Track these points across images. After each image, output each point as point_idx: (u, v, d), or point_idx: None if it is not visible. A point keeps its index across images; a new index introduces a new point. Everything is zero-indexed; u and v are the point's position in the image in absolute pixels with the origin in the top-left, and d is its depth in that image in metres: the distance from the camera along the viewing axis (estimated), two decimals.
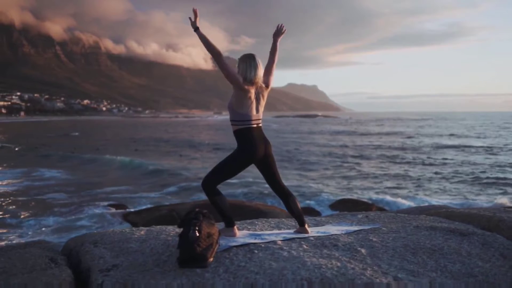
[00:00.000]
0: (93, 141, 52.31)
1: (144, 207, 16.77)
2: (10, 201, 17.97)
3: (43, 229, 14.08)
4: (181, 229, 2.82)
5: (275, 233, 3.45)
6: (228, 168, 3.24)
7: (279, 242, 3.15)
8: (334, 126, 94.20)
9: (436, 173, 25.46)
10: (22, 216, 15.51)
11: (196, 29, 3.05)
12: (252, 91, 3.25)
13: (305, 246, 3.07)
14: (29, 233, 13.47)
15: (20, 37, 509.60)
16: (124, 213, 16.11)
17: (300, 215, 3.45)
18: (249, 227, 3.79)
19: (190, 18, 3.13)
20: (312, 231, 3.54)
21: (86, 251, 3.19)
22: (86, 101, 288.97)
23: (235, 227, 3.33)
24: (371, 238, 3.28)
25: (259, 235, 3.36)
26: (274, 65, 3.54)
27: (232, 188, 20.25)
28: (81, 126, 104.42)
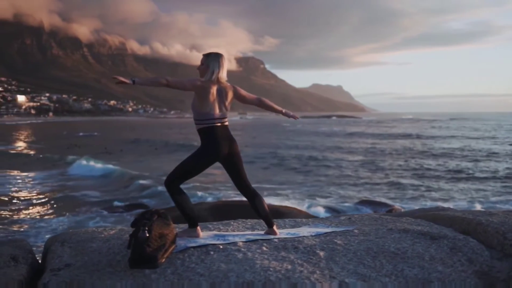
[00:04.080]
0: (118, 142, 52.99)
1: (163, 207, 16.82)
2: (33, 202, 18.25)
3: (59, 228, 14.25)
4: (133, 229, 2.80)
5: (240, 234, 3.40)
6: (191, 166, 3.21)
7: (240, 244, 3.09)
8: (352, 127, 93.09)
9: (458, 173, 24.90)
10: (38, 216, 15.74)
11: (134, 82, 2.96)
12: (214, 89, 3.22)
13: (264, 248, 3.00)
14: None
15: (49, 39, 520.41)
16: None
17: (267, 216, 3.38)
18: (221, 227, 3.74)
19: (121, 82, 2.96)
20: (282, 232, 3.47)
21: (52, 250, 3.21)
22: (112, 102, 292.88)
23: (198, 227, 3.29)
24: (336, 240, 3.19)
25: (223, 236, 3.30)
26: (251, 104, 3.50)
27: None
28: (106, 126, 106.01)
